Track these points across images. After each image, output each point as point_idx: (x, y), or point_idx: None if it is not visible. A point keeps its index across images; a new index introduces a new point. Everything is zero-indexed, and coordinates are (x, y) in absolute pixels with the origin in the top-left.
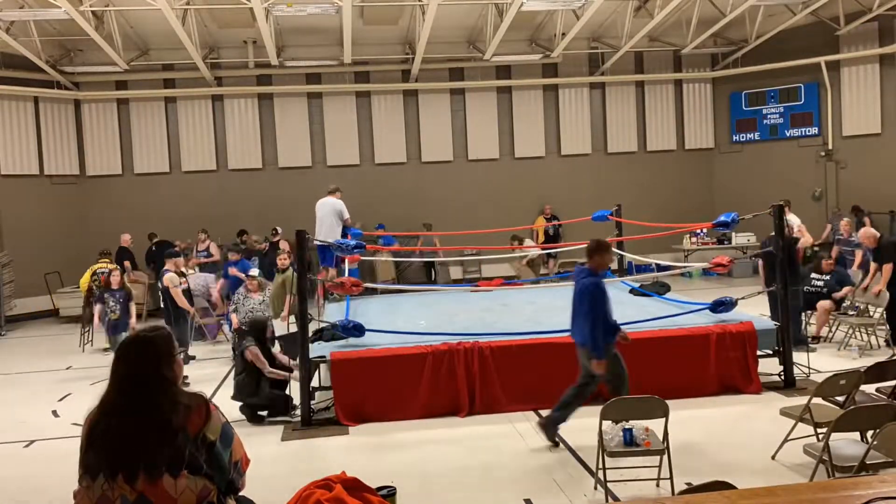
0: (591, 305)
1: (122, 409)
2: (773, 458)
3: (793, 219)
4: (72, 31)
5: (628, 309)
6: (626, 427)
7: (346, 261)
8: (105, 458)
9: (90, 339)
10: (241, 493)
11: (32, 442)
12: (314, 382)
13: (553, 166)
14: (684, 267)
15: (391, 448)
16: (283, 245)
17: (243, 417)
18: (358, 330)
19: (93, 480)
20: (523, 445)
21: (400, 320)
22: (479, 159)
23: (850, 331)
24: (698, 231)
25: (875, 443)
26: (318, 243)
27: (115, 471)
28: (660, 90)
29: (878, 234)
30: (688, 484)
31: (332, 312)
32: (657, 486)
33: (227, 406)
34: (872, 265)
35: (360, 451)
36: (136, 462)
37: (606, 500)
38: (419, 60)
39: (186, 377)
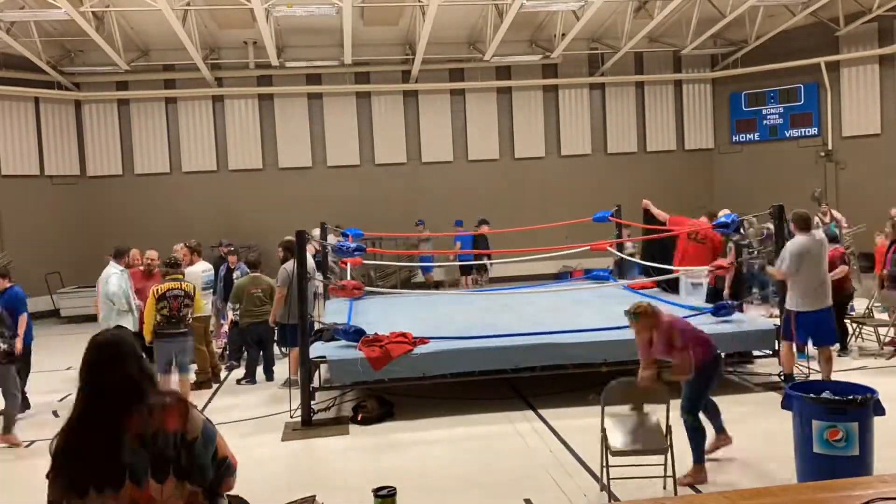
0: None
1: (98, 418)
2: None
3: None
4: (72, 32)
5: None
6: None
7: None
8: (89, 472)
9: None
10: (236, 494)
11: (33, 442)
12: (314, 383)
13: (553, 167)
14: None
15: (391, 448)
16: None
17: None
18: (359, 334)
19: (81, 497)
20: (523, 445)
21: (400, 320)
22: (479, 160)
23: (857, 330)
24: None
25: None
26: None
27: (101, 484)
28: (660, 91)
29: None
30: (688, 485)
31: (333, 313)
32: (664, 487)
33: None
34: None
35: (360, 452)
36: (122, 471)
37: (609, 501)
38: (419, 61)
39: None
